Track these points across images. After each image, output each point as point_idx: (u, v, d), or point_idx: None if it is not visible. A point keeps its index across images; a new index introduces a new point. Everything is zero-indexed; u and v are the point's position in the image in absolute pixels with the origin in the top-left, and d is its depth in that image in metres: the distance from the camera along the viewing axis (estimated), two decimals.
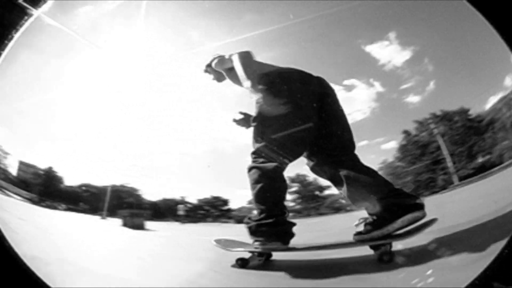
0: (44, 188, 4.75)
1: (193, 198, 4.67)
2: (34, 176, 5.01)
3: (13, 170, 4.96)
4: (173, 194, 4.77)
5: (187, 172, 4.26)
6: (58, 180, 5.34)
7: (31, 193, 4.78)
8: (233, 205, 4.52)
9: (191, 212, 4.48)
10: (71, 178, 5.28)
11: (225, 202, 4.32)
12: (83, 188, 4.69)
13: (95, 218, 4.37)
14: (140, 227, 3.12)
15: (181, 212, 4.56)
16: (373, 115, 2.30)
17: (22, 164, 5.18)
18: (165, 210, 4.68)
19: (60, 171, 5.30)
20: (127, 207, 4.36)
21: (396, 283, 1.31)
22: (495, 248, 1.06)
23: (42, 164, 5.34)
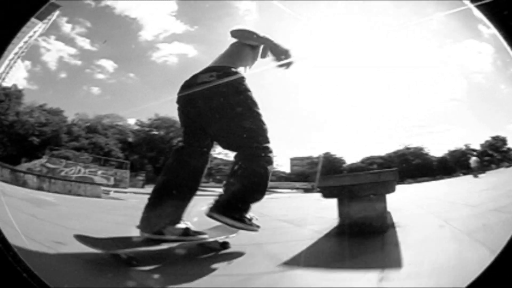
0: (324, 173, 5.17)
1: (476, 145, 4.38)
2: (310, 166, 5.38)
3: (285, 168, 5.30)
4: (455, 145, 4.50)
5: (455, 118, 4.05)
6: (338, 161, 5.63)
7: (309, 182, 5.26)
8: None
9: (482, 161, 4.17)
10: (351, 157, 5.52)
11: (504, 141, 3.88)
12: (367, 161, 4.99)
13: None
14: None
15: (474, 164, 4.11)
16: None
17: (295, 160, 5.51)
18: (454, 164, 4.39)
19: (336, 153, 5.58)
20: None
21: None
22: (496, 248, 1.06)
23: (314, 153, 5.63)
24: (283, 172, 5.66)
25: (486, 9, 1.09)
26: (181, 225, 1.85)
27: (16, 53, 4.60)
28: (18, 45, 4.55)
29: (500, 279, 1.00)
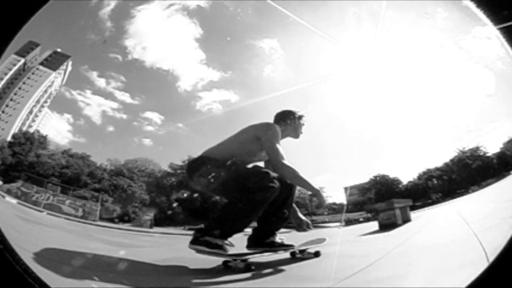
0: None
1: None
2: (362, 193, 5.46)
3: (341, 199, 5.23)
4: (507, 137, 4.41)
5: (497, 113, 4.09)
6: (394, 183, 5.52)
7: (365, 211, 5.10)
8: None
9: None
10: (407, 175, 5.38)
11: None
12: (424, 177, 4.96)
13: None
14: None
15: None
16: None
17: (351, 188, 5.52)
18: None
19: (390, 174, 5.43)
20: None
21: None
22: (496, 248, 1.05)
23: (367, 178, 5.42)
24: (339, 204, 5.24)
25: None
26: (277, 239, 2.30)
27: (37, 101, 4.89)
28: (35, 93, 4.85)
29: (500, 279, 1.00)
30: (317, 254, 2.41)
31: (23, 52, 4.80)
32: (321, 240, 2.55)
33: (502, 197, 2.88)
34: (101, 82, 4.99)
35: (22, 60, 4.80)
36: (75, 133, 4.87)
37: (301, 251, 2.42)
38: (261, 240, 2.27)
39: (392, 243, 2.52)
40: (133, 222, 4.53)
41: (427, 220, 4.12)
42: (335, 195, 5.15)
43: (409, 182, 5.28)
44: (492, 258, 1.04)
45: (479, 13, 1.10)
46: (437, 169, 5.14)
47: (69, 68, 5.06)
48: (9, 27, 1.21)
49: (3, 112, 4.66)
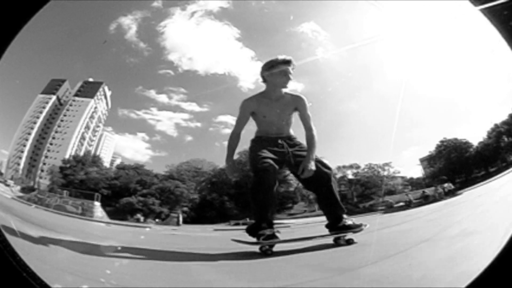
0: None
1: None
2: (429, 163, 4.93)
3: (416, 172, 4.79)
4: None
5: None
6: (464, 146, 4.85)
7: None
8: None
9: None
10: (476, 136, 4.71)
11: None
12: (494, 134, 4.65)
13: None
14: None
15: None
16: None
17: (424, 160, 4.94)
18: None
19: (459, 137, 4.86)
20: None
21: None
22: (496, 248, 1.05)
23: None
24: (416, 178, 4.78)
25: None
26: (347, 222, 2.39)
27: (86, 127, 5.30)
28: (80, 121, 5.27)
29: (500, 279, 1.00)
30: (349, 241, 2.34)
31: (51, 90, 5.18)
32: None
33: None
34: (162, 98, 5.10)
35: (54, 97, 5.20)
36: (154, 149, 5.16)
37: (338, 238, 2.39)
38: (333, 225, 2.39)
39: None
40: (166, 220, 4.82)
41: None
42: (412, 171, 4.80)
43: (480, 142, 4.61)
44: (492, 258, 1.04)
45: None
46: (503, 123, 4.35)
47: (108, 92, 5.40)
48: (9, 27, 1.22)
49: (51, 144, 5.14)
